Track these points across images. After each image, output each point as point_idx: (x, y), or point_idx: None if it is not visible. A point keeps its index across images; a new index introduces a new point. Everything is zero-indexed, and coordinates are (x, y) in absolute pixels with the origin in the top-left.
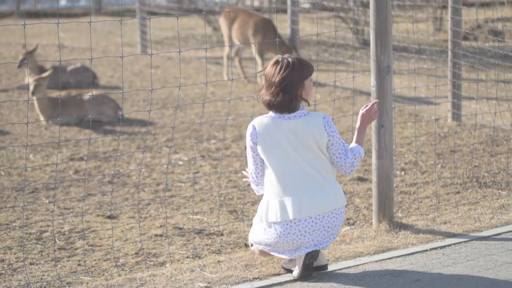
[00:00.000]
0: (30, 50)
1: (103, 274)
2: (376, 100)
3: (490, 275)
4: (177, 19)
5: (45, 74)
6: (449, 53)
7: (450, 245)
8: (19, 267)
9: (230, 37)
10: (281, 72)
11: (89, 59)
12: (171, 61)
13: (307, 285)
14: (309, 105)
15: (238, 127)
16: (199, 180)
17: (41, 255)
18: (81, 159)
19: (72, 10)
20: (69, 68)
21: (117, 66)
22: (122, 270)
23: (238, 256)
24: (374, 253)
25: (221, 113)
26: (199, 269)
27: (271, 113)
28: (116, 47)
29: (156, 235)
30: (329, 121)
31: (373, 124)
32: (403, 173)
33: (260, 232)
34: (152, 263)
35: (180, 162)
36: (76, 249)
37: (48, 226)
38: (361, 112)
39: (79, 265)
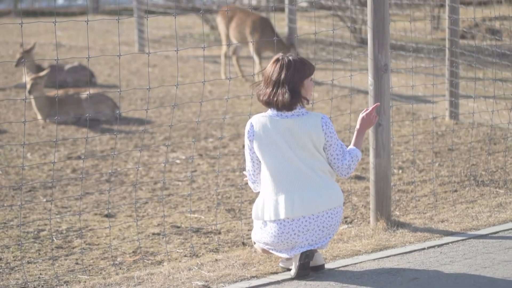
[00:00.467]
0: (27, 49)
1: (100, 273)
2: (377, 104)
3: (488, 273)
4: (175, 17)
5: (42, 73)
6: (447, 51)
7: (447, 243)
8: (16, 266)
9: (227, 36)
10: (281, 71)
11: (87, 57)
12: (169, 60)
13: (304, 284)
14: (308, 103)
15: (236, 126)
16: (197, 179)
17: (39, 253)
18: (79, 157)
19: (70, 9)
20: (67, 67)
21: (115, 65)
22: (120, 268)
23: (235, 254)
24: (371, 252)
25: (218, 112)
26: (196, 268)
27: (269, 111)
28: (113, 45)
29: (153, 234)
30: (327, 121)
31: None
32: (400, 171)
33: (258, 231)
34: (149, 261)
35: (178, 161)
36: (73, 247)
37: (45, 224)
38: (361, 115)
39: (77, 263)
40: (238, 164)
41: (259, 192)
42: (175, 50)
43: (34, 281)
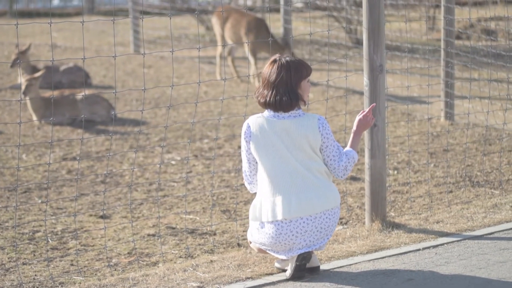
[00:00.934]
0: (22, 50)
1: (95, 274)
2: (373, 104)
3: (483, 274)
4: (170, 18)
5: (37, 74)
6: (442, 52)
7: (442, 244)
8: (11, 267)
9: (223, 37)
10: (280, 72)
11: (82, 58)
12: (164, 61)
13: (299, 285)
14: (305, 104)
15: (231, 127)
16: (192, 180)
17: (34, 255)
18: (74, 159)
19: (65, 10)
20: (62, 67)
21: (110, 66)
22: (115, 270)
23: (230, 255)
24: (367, 253)
25: (214, 113)
26: (191, 269)
27: (266, 112)
28: (109, 46)
29: (148, 235)
30: (324, 123)
31: None
32: (395, 172)
33: (255, 232)
34: (144, 263)
35: (173, 162)
36: (68, 249)
37: (40, 226)
38: (357, 117)
39: (72, 265)
40: (233, 165)
41: (255, 193)
42: (171, 51)
43: (29, 282)
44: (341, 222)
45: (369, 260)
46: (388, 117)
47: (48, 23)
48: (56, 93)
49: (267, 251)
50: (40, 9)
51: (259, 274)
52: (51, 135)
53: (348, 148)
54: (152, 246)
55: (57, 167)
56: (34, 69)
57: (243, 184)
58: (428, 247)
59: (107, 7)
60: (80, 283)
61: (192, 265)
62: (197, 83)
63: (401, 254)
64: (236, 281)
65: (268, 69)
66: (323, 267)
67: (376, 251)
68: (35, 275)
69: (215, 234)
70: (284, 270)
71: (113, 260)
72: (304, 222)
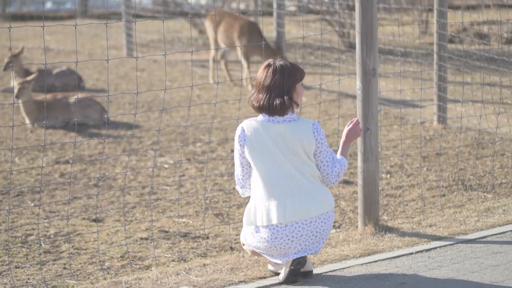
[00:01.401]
0: (15, 53)
1: (88, 278)
2: (356, 119)
3: (476, 278)
4: (163, 22)
5: (29, 77)
6: (435, 56)
7: (435, 248)
8: (4, 271)
9: (215, 40)
10: (274, 76)
11: (75, 62)
12: (157, 64)
13: None
14: (297, 107)
15: (224, 130)
16: (185, 183)
17: (27, 258)
18: (67, 162)
19: (58, 13)
20: (55, 71)
21: (103, 69)
22: (108, 273)
23: (223, 259)
24: (359, 256)
25: (207, 116)
26: (184, 273)
27: (260, 117)
28: (101, 50)
29: (141, 239)
30: (318, 128)
31: None
32: (388, 176)
33: (249, 236)
34: (137, 266)
35: (166, 165)
36: (61, 252)
37: (33, 229)
38: (346, 128)
39: (65, 268)
40: (226, 169)
41: (247, 197)
42: (163, 54)
43: (22, 286)
44: (334, 226)
45: (362, 264)
46: (381, 121)
47: (41, 26)
48: (49, 96)
49: (262, 255)
50: (33, 12)
51: (252, 278)
52: (44, 138)
53: (339, 156)
54: (145, 250)
55: (50, 170)
56: (27, 72)
57: (236, 188)
58: (421, 251)
59: (100, 10)
60: (73, 286)
61: (185, 268)
62: (190, 86)
63: (394, 257)
64: (229, 285)
65: (262, 74)
66: (316, 271)
67: (369, 254)
68: (28, 279)
69: (208, 238)
70: (277, 274)
71: (106, 264)
72: (299, 226)
